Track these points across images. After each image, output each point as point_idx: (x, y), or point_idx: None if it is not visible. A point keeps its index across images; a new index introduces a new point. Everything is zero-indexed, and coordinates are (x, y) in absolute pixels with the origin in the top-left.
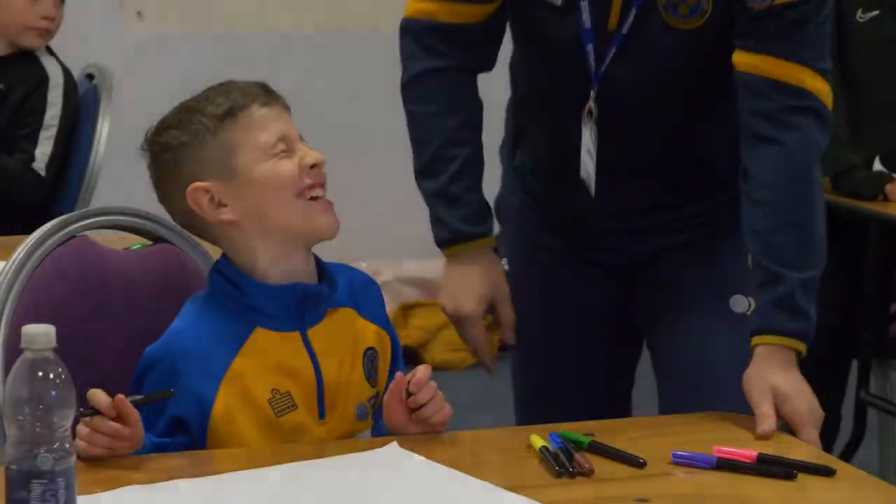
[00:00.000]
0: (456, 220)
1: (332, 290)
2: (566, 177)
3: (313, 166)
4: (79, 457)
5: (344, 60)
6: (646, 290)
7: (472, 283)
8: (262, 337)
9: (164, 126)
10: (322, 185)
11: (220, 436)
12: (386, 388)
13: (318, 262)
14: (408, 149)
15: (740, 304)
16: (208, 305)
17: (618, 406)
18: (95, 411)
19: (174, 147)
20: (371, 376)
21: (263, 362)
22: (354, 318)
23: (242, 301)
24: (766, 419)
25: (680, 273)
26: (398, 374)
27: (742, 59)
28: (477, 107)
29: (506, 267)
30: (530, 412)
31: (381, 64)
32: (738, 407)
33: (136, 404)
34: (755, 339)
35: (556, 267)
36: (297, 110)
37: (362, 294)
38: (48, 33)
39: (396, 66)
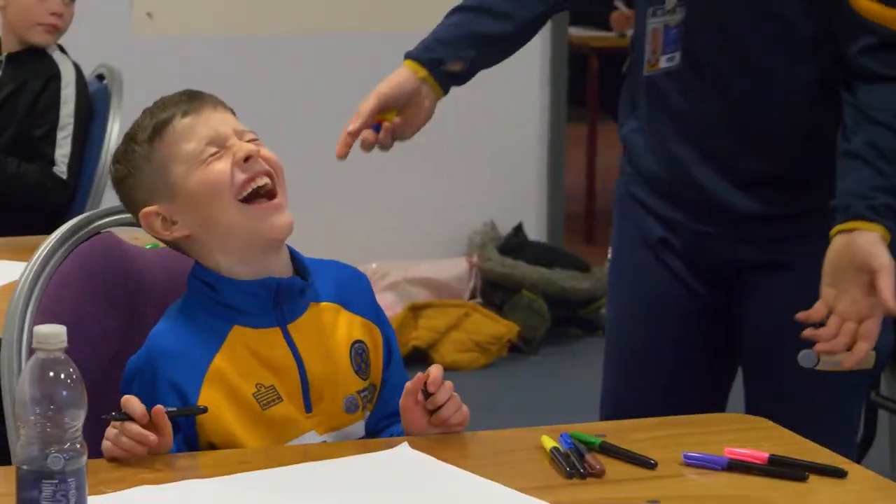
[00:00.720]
0: (421, 41)
1: (307, 282)
2: (660, 108)
3: (247, 159)
4: (97, 456)
5: (350, 61)
6: (742, 315)
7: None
8: (240, 334)
9: (113, 161)
10: (265, 174)
11: (208, 432)
12: (383, 380)
13: (296, 257)
14: (414, 151)
15: (809, 359)
16: (186, 307)
17: (714, 406)
18: (126, 416)
19: (121, 180)
20: (360, 369)
21: (245, 359)
22: (339, 312)
23: (218, 300)
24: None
25: (777, 307)
26: (417, 375)
27: (872, 7)
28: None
29: (609, 256)
30: (616, 409)
31: (386, 64)
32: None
33: (169, 417)
34: (867, 224)
35: (660, 266)
36: (302, 111)
37: (349, 288)
38: (56, 30)
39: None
